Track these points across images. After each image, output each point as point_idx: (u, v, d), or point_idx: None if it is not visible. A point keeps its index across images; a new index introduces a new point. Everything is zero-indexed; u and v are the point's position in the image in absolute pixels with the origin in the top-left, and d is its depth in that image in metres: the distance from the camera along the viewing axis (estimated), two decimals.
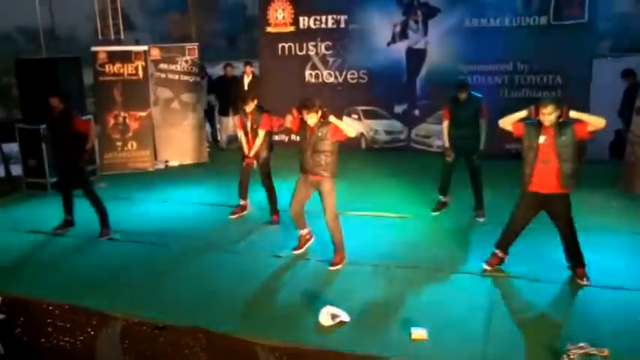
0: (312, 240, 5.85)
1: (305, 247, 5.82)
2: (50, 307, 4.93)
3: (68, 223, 6.66)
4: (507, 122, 5.01)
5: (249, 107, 6.68)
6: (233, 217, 7.01)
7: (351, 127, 5.50)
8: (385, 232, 6.44)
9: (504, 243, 5.18)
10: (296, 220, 5.74)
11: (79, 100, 8.73)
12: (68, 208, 6.67)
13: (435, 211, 6.87)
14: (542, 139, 4.73)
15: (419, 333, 4.23)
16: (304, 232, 5.82)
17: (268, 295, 5.02)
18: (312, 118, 5.30)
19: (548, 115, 4.68)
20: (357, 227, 6.52)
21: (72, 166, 6.42)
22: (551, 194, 4.82)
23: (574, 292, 4.89)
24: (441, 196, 6.94)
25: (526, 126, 4.85)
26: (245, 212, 7.08)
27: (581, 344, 3.97)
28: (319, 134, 5.31)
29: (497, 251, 5.21)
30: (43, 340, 4.96)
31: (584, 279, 4.93)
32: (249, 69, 10.67)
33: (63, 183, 6.75)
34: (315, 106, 5.29)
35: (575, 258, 5.02)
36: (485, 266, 5.23)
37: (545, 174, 4.76)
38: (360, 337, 4.28)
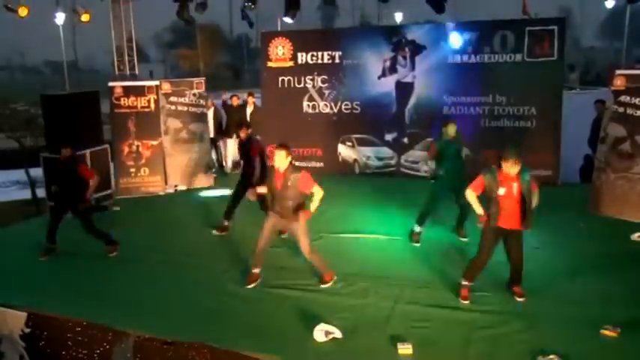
0: (258, 283, 5.57)
1: (252, 286, 5.53)
2: (70, 323, 5.00)
3: (51, 250, 6.56)
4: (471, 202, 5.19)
5: (243, 134, 6.84)
6: (216, 233, 7.16)
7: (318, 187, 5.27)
8: (375, 252, 6.48)
9: (472, 275, 5.19)
10: (258, 255, 5.50)
11: (96, 130, 8.90)
12: (52, 237, 6.53)
13: (415, 243, 6.62)
14: (502, 190, 4.91)
15: (405, 348, 4.30)
16: (257, 270, 5.57)
17: (267, 313, 5.05)
18: (280, 156, 5.17)
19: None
20: (349, 248, 6.61)
21: (71, 206, 6.44)
22: (511, 229, 5.00)
23: (544, 307, 4.96)
24: (416, 227, 6.67)
25: (487, 180, 5.00)
26: (224, 233, 7.15)
27: (551, 356, 4.09)
28: (288, 183, 5.20)
29: (466, 283, 5.19)
30: (63, 352, 5.02)
31: (522, 297, 5.11)
32: (251, 99, 10.85)
33: (57, 211, 6.60)
34: (288, 149, 5.23)
35: (515, 278, 5.19)
36: (463, 301, 5.12)
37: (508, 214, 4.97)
38: (351, 352, 4.34)
